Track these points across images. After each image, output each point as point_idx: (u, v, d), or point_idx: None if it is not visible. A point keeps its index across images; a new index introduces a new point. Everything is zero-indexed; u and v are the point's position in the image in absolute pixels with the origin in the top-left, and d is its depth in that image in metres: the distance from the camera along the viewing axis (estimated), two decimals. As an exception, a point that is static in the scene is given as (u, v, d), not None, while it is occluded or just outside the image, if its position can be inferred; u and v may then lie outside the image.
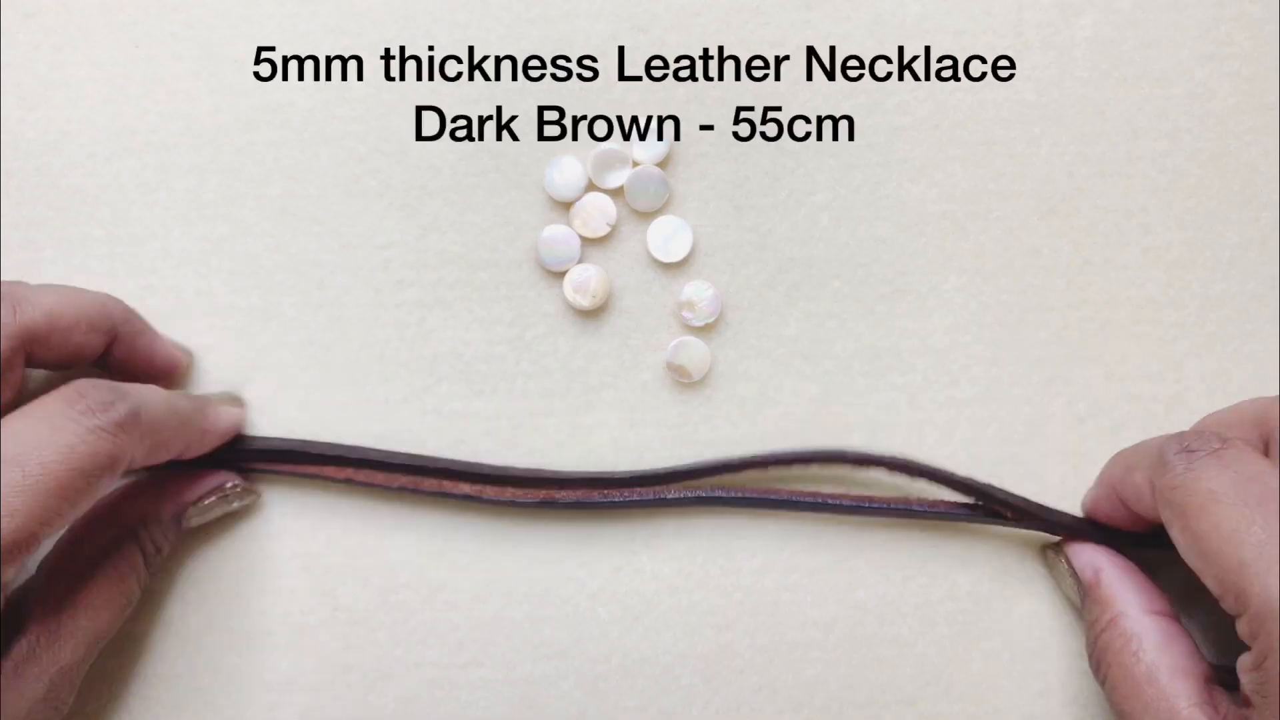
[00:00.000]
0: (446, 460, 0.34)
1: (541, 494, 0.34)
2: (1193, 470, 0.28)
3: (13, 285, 0.31)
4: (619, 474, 0.34)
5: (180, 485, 0.33)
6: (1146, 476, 0.29)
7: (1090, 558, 0.32)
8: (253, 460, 0.34)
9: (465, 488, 0.34)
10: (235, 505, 0.34)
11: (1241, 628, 0.26)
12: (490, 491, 0.34)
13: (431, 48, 0.36)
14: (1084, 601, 0.32)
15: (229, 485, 0.34)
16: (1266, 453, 0.29)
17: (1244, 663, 0.27)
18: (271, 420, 0.35)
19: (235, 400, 0.35)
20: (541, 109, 0.35)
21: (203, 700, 0.34)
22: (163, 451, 0.31)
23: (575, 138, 0.35)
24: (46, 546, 0.31)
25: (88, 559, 0.31)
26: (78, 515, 0.28)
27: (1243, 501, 0.26)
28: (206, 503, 0.33)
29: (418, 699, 0.34)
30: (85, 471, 0.27)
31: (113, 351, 0.33)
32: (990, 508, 0.33)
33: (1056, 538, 0.34)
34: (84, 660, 0.30)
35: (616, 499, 0.34)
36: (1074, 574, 0.33)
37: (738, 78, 0.35)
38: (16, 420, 0.28)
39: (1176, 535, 0.28)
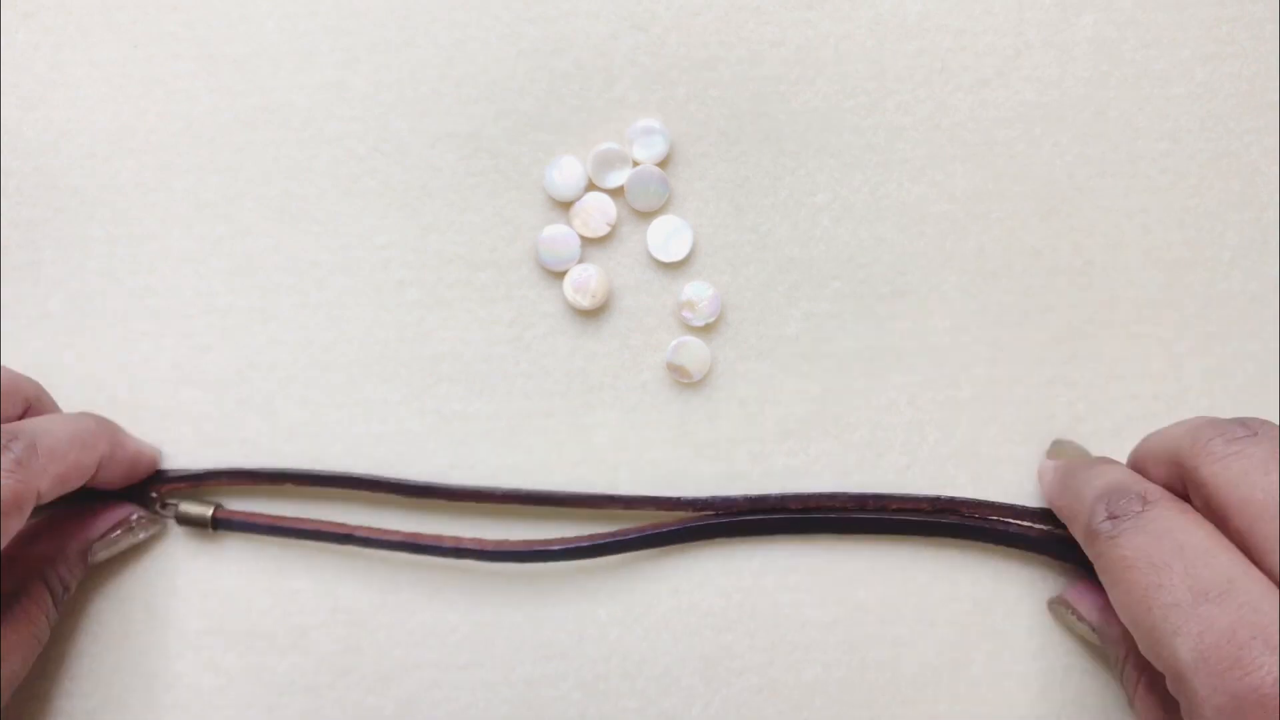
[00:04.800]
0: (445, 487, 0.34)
1: (537, 545, 0.34)
2: (1113, 539, 0.28)
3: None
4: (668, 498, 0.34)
5: (84, 520, 0.33)
6: (1082, 531, 0.30)
7: (1093, 599, 0.32)
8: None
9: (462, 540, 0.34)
10: (141, 536, 0.34)
11: (1169, 684, 0.26)
12: (489, 544, 0.34)
13: (432, 47, 0.36)
14: (1101, 641, 0.32)
15: (134, 518, 0.33)
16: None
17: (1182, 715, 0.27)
18: (271, 420, 0.35)
19: (150, 446, 0.34)
20: (542, 109, 0.35)
21: (202, 701, 0.34)
22: (73, 478, 0.30)
23: (575, 138, 0.35)
24: None
25: None
26: None
27: (1151, 565, 0.26)
28: (112, 536, 0.33)
29: (418, 700, 0.34)
30: None
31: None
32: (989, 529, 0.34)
33: (1059, 591, 0.34)
34: None
35: (624, 539, 0.34)
36: (1082, 619, 0.32)
37: (738, 78, 0.35)
38: None
39: (1111, 600, 0.28)
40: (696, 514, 0.34)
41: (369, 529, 0.34)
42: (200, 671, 0.34)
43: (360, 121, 0.36)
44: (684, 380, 0.35)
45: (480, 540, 0.34)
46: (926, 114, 0.35)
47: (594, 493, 0.34)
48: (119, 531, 0.33)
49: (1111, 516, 0.28)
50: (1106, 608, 0.32)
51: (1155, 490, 0.29)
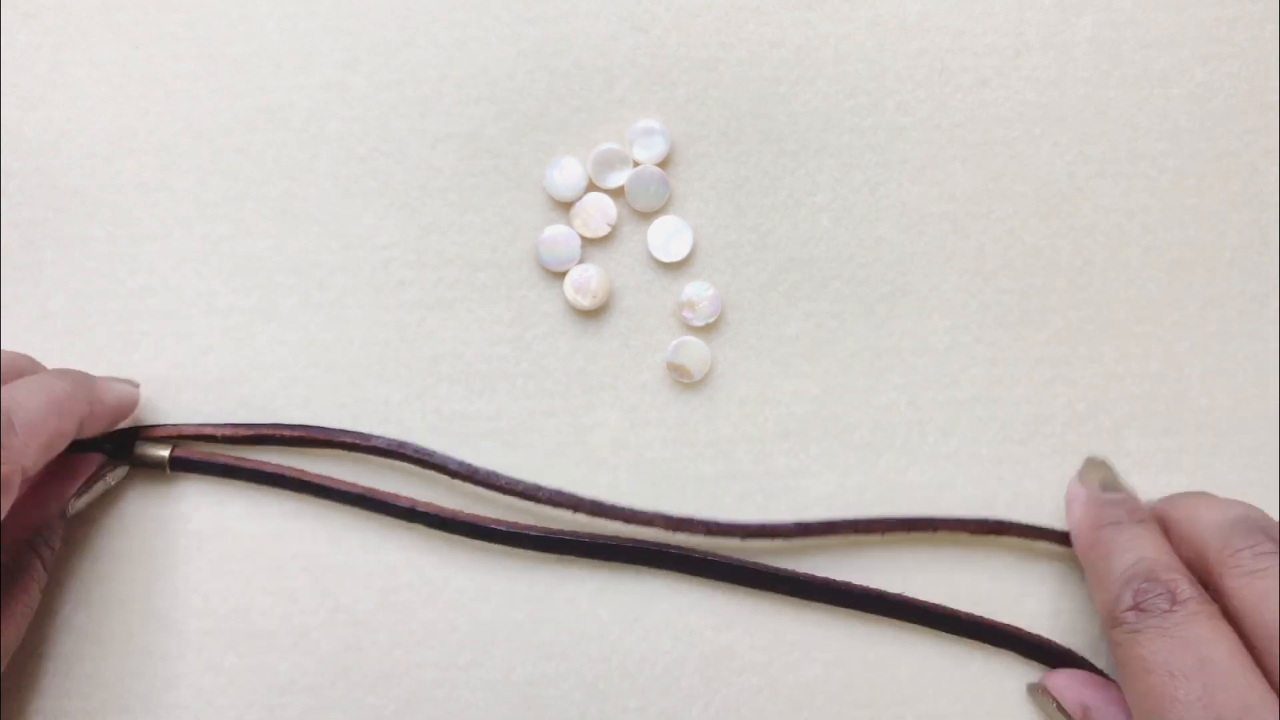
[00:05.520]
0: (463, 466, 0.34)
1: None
2: (1135, 634, 0.28)
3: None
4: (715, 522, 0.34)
5: (62, 483, 0.33)
6: (1105, 611, 0.30)
7: (1076, 695, 0.32)
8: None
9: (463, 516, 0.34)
10: (112, 483, 0.34)
11: None
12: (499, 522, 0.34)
13: (432, 48, 0.36)
14: None
15: (103, 468, 0.33)
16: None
17: None
18: (272, 420, 0.35)
19: (128, 381, 0.34)
20: (542, 109, 0.35)
21: (204, 701, 0.34)
22: (57, 445, 0.30)
23: (575, 138, 0.35)
24: None
25: None
26: None
27: (1170, 674, 0.26)
28: (87, 487, 0.33)
29: (418, 699, 0.34)
30: None
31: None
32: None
33: (1039, 676, 0.33)
34: None
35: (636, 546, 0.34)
36: (1064, 713, 0.32)
37: (738, 78, 0.35)
38: None
39: (1123, 689, 0.28)
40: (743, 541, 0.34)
41: (327, 478, 0.34)
42: (200, 672, 0.34)
43: (360, 121, 0.36)
44: (684, 380, 0.35)
45: (434, 505, 0.34)
46: (926, 114, 0.35)
47: (683, 515, 0.34)
48: (94, 484, 0.33)
49: (1137, 608, 0.28)
50: (1089, 704, 0.31)
51: (1186, 588, 0.28)
